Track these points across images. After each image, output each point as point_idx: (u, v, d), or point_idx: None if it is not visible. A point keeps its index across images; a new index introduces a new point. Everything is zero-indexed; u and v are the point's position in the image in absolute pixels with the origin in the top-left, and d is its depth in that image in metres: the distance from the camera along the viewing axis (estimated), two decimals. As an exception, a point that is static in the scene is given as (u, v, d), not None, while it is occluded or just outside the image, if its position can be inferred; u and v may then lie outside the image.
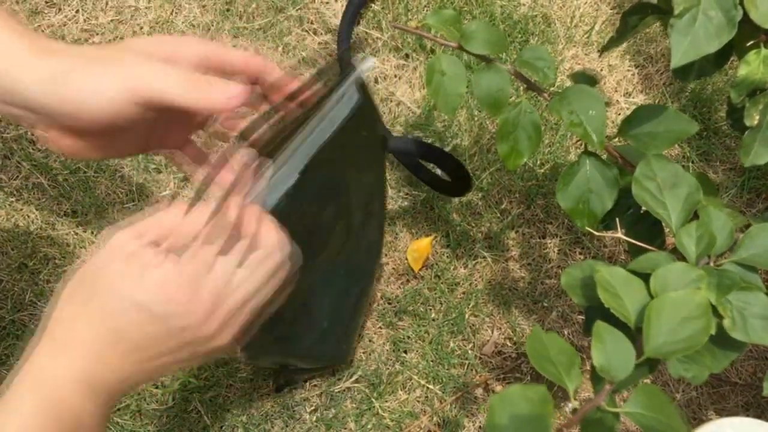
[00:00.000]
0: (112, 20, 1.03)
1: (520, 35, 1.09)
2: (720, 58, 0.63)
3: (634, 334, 0.47)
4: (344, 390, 0.90)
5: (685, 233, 0.52)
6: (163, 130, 0.47)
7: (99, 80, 0.39)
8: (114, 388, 0.41)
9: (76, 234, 0.92)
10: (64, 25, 1.02)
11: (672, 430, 0.42)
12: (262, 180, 0.42)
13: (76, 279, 0.41)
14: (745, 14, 0.53)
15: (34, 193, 0.94)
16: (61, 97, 0.40)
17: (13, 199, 0.94)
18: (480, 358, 0.93)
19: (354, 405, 0.89)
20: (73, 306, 0.41)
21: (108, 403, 0.41)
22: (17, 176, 0.95)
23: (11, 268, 0.90)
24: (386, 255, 0.96)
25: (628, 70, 1.10)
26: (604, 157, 0.63)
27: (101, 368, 0.40)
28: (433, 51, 1.06)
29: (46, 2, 1.03)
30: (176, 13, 1.05)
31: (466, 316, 0.94)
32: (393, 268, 0.96)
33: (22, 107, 0.41)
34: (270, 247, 0.43)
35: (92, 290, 0.40)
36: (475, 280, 0.96)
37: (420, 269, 0.96)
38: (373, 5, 1.09)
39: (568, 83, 0.65)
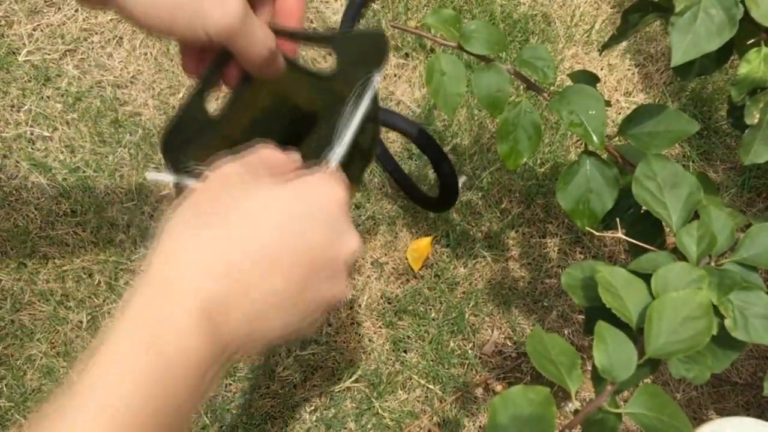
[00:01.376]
0: (111, 19, 1.03)
1: (520, 34, 1.09)
2: (721, 57, 0.63)
3: (636, 334, 0.47)
4: (344, 390, 0.90)
5: (685, 233, 0.52)
6: None
7: (177, 9, 0.36)
8: (237, 333, 0.31)
9: (76, 233, 0.92)
10: (63, 24, 1.02)
11: (676, 429, 0.42)
12: None
13: (179, 211, 0.33)
14: (746, 12, 0.53)
15: (33, 193, 0.94)
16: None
17: (13, 199, 0.93)
18: (480, 357, 0.93)
19: (354, 405, 0.89)
20: (184, 231, 0.32)
21: (224, 354, 0.31)
22: (16, 176, 0.95)
23: (10, 267, 0.90)
24: (386, 255, 0.96)
25: (629, 70, 1.10)
26: (604, 156, 0.63)
27: (226, 301, 0.31)
28: (432, 50, 1.06)
29: (45, 1, 1.03)
30: (175, 12, 1.05)
31: (466, 315, 0.94)
32: (393, 268, 0.96)
33: None
34: None
35: (212, 209, 0.33)
36: (475, 280, 0.96)
37: (420, 269, 0.95)
38: (373, 4, 1.09)
39: (569, 82, 0.65)
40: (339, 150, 0.44)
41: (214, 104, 0.45)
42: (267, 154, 0.38)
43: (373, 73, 0.47)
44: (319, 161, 0.44)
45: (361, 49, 0.46)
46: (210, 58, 0.44)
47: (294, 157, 0.40)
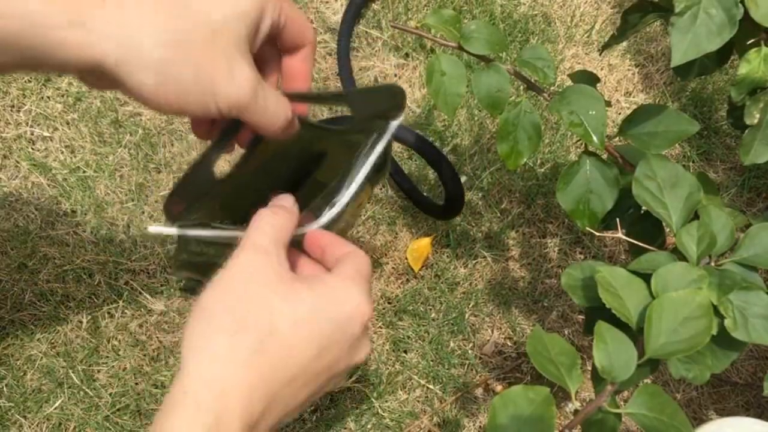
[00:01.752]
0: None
1: (520, 34, 1.09)
2: (721, 57, 0.63)
3: (635, 334, 0.47)
4: (344, 390, 0.90)
5: (685, 233, 0.52)
6: None
7: (186, 91, 0.35)
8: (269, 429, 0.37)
9: (76, 234, 0.92)
10: (64, 25, 1.02)
11: (675, 429, 0.42)
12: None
13: (210, 309, 0.36)
14: (746, 12, 0.53)
15: (33, 193, 0.94)
16: (131, 83, 0.35)
17: (13, 199, 0.93)
18: (480, 357, 0.93)
19: (354, 405, 0.89)
20: (225, 348, 0.35)
21: None
22: (16, 176, 0.95)
23: (11, 268, 0.90)
24: (386, 254, 0.96)
25: (629, 70, 1.10)
26: (605, 156, 0.63)
27: (264, 413, 0.35)
28: (433, 50, 1.06)
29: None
30: (175, 12, 1.04)
31: (466, 315, 0.94)
32: (393, 268, 0.96)
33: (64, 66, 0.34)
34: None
35: (243, 320, 0.36)
36: (475, 280, 0.96)
37: (420, 269, 0.95)
38: (373, 5, 1.09)
39: (569, 82, 0.65)
40: (349, 193, 0.47)
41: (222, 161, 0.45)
42: (272, 224, 0.40)
43: (390, 122, 0.48)
44: (328, 203, 0.46)
45: (376, 103, 0.47)
46: (220, 122, 0.43)
47: (289, 203, 0.42)
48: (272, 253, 0.38)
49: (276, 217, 0.40)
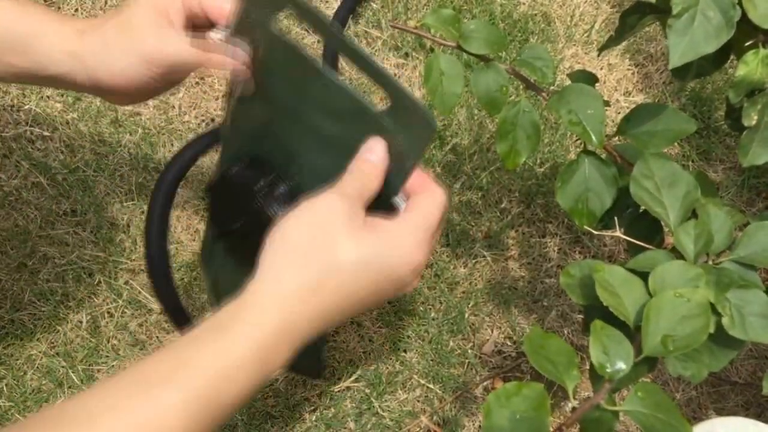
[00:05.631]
0: (111, 20, 1.03)
1: (519, 34, 1.09)
2: (718, 58, 0.63)
3: (633, 332, 0.47)
4: (344, 389, 0.90)
5: (683, 231, 0.52)
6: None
7: (121, 61, 0.50)
8: (303, 336, 0.41)
9: (76, 233, 0.93)
10: (64, 25, 1.02)
11: (672, 428, 0.42)
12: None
13: (287, 238, 0.42)
14: (744, 14, 0.53)
15: (33, 192, 0.94)
16: (93, 75, 0.51)
17: (12, 199, 0.94)
18: (480, 357, 0.93)
19: (353, 404, 0.89)
20: (288, 278, 0.41)
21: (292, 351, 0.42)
22: (16, 175, 0.95)
23: (10, 267, 0.90)
24: (386, 254, 0.96)
25: (628, 69, 1.10)
26: (603, 156, 0.63)
27: (301, 316, 0.41)
28: (432, 50, 1.06)
29: (45, 1, 1.03)
30: (175, 12, 1.05)
31: (466, 315, 0.94)
32: (392, 268, 0.96)
33: (54, 80, 0.52)
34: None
35: (310, 261, 0.41)
36: (475, 280, 0.96)
37: (419, 268, 0.95)
38: (372, 4, 1.09)
39: (569, 82, 0.65)
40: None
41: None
42: (362, 180, 0.44)
43: (413, 161, 0.47)
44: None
45: (411, 120, 0.44)
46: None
47: (379, 156, 0.45)
48: (354, 204, 0.42)
49: (367, 175, 0.44)
